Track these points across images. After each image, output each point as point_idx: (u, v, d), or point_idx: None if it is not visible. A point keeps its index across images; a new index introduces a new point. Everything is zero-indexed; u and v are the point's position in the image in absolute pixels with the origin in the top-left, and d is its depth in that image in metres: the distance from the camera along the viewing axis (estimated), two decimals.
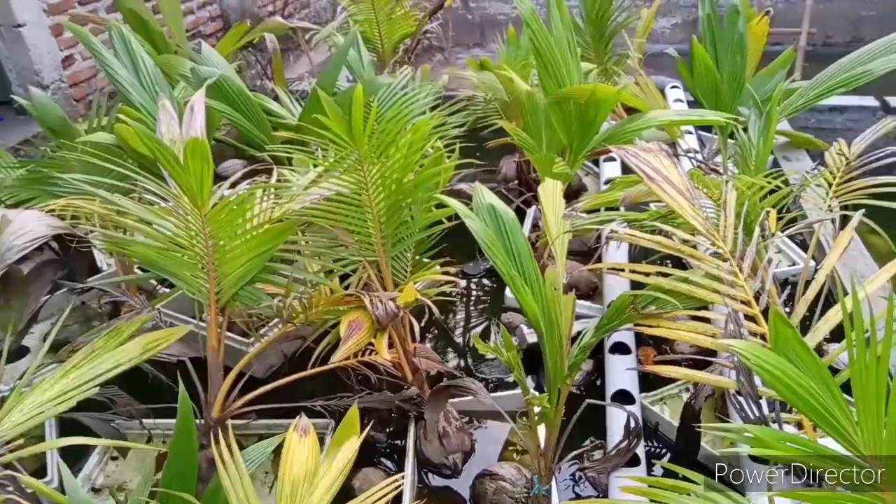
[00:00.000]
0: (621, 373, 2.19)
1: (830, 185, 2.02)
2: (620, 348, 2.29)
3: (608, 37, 3.43)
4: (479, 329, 2.74)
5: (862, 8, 6.55)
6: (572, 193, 3.20)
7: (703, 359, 1.81)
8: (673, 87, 4.06)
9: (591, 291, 2.74)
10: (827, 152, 2.11)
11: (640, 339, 2.41)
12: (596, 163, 3.45)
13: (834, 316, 1.26)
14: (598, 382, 2.30)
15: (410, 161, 1.78)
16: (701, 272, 1.38)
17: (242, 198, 1.68)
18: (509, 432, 2.15)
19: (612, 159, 3.31)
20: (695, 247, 1.49)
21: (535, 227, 2.98)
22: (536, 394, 1.56)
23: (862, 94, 3.73)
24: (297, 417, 1.27)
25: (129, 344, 1.59)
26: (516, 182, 3.25)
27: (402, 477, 1.17)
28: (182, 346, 2.05)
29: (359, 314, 1.68)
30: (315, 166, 1.83)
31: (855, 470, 0.99)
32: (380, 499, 1.16)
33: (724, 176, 1.55)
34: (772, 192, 1.74)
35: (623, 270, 1.73)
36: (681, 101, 3.80)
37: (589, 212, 2.32)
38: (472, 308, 2.87)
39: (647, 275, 1.42)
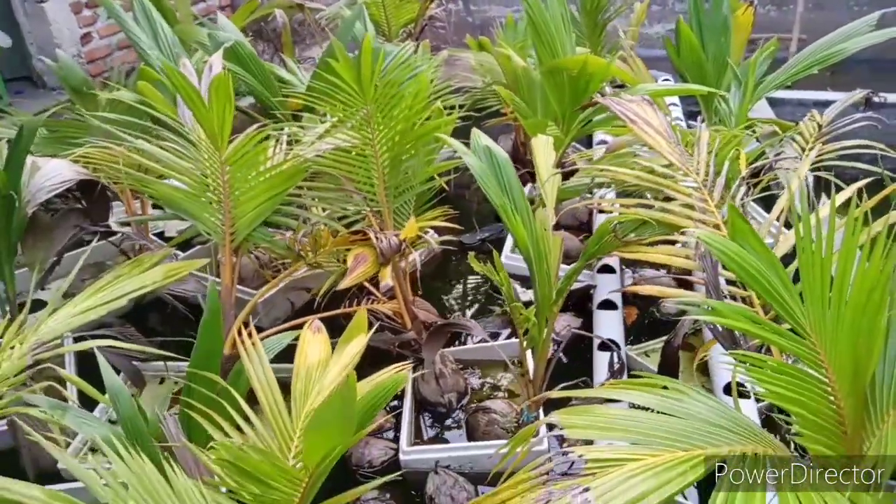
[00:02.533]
0: (608, 326, 2.33)
1: (804, 150, 2.17)
2: (608, 305, 2.44)
3: (602, 26, 3.60)
4: (475, 296, 2.87)
5: (850, 17, 6.77)
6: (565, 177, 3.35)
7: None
8: (665, 79, 4.23)
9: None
10: (801, 122, 2.27)
11: (626, 300, 2.55)
12: (590, 144, 3.60)
13: (790, 236, 1.40)
14: (588, 340, 2.44)
15: (414, 112, 1.93)
16: (677, 203, 1.53)
17: (259, 138, 1.83)
18: (500, 379, 2.28)
19: (604, 142, 3.47)
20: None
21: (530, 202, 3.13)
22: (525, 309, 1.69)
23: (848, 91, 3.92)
24: (310, 320, 1.40)
25: (153, 270, 1.73)
26: (513, 161, 3.39)
27: (408, 364, 1.28)
28: (198, 284, 2.19)
29: (364, 249, 1.82)
30: (331, 116, 1.97)
31: (801, 345, 1.13)
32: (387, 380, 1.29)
33: (701, 125, 1.69)
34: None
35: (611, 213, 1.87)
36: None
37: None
38: (468, 273, 3.00)
39: (629, 207, 1.57)
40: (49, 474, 1.89)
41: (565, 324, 2.45)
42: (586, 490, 1.01)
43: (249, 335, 1.31)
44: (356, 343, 1.31)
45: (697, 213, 1.46)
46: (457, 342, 2.44)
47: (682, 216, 1.48)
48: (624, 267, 2.67)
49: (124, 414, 1.26)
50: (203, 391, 1.25)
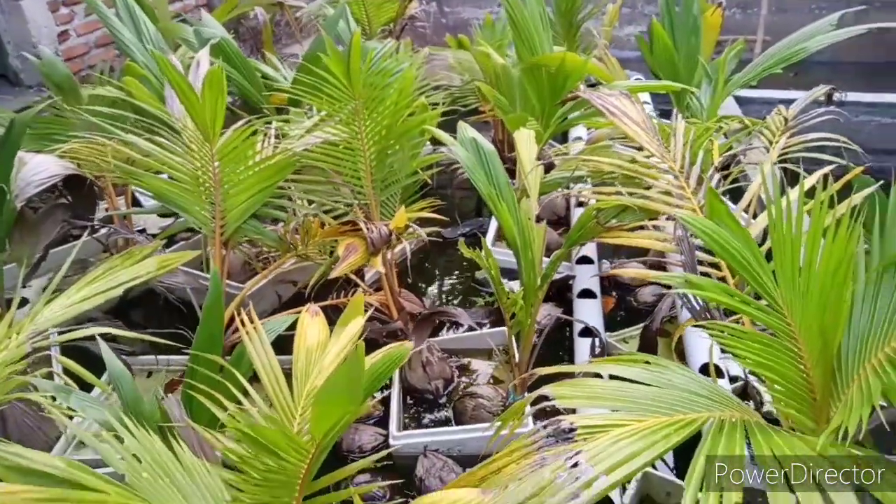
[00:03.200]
0: (588, 314, 2.41)
1: (771, 142, 2.28)
2: (587, 294, 2.52)
3: (577, 27, 3.69)
4: (457, 288, 2.93)
5: (812, 20, 7.01)
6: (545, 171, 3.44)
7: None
8: (636, 79, 4.35)
9: None
10: (768, 116, 2.38)
11: (604, 290, 2.64)
12: (565, 141, 3.69)
13: (761, 220, 1.49)
14: (568, 331, 2.52)
15: (400, 107, 1.99)
16: (655, 190, 1.61)
17: (248, 132, 1.87)
18: (486, 367, 2.35)
19: (580, 138, 3.57)
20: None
21: None
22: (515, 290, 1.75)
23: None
24: (307, 305, 1.45)
25: (147, 261, 1.76)
26: None
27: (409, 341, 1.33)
28: (189, 278, 2.21)
29: (355, 239, 1.87)
30: (317, 111, 2.01)
31: (773, 317, 1.21)
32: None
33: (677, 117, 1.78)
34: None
35: (588, 202, 1.94)
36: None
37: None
38: (450, 267, 3.07)
39: (611, 195, 1.65)
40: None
41: (546, 313, 2.52)
42: (578, 453, 1.08)
43: (251, 320, 1.35)
44: (353, 325, 1.37)
45: (675, 199, 1.54)
46: (440, 333, 2.49)
47: (660, 202, 1.56)
48: (602, 259, 2.76)
49: (127, 397, 1.30)
50: (206, 373, 1.29)
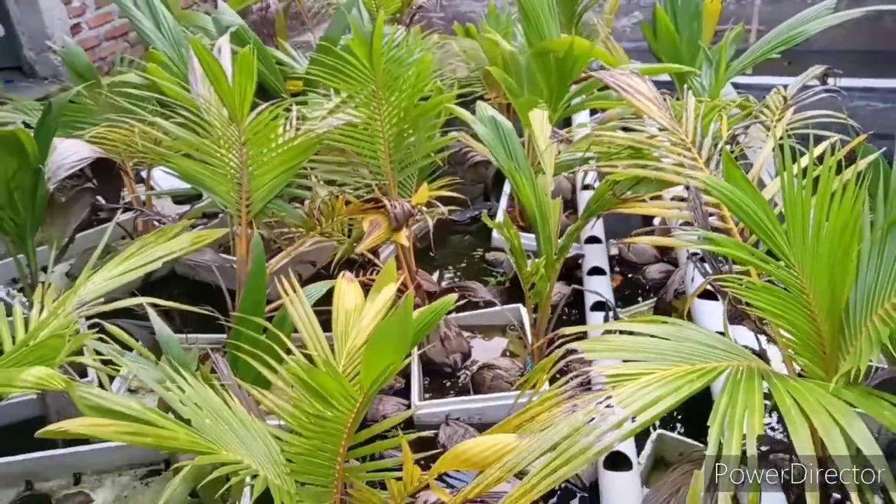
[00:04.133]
0: (599, 289, 2.50)
1: (772, 120, 2.37)
2: (597, 271, 2.61)
3: (578, 16, 3.77)
4: (469, 268, 3.01)
5: (804, 9, 7.14)
6: None
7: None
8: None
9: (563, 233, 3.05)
10: (768, 95, 2.46)
11: (612, 268, 2.73)
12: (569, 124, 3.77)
13: (772, 186, 1.57)
14: (576, 310, 2.59)
15: (418, 89, 2.06)
16: (669, 162, 1.69)
17: (273, 114, 1.94)
18: (503, 343, 2.43)
19: (583, 125, 3.65)
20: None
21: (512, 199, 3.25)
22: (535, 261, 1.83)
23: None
24: (342, 273, 1.53)
25: (180, 237, 1.82)
26: None
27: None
28: (217, 256, 2.28)
29: (378, 216, 1.94)
30: (335, 93, 2.09)
31: (786, 273, 1.30)
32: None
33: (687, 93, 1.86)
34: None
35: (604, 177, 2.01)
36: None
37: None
38: (461, 249, 3.15)
39: (625, 168, 1.73)
40: (78, 440, 1.97)
41: (557, 290, 2.60)
42: (609, 398, 1.16)
43: (293, 288, 1.43)
44: (387, 291, 1.44)
45: (688, 170, 1.62)
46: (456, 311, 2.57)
47: (673, 173, 1.64)
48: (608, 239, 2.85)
49: (176, 358, 1.37)
50: (250, 334, 1.36)
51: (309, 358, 1.31)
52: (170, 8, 3.03)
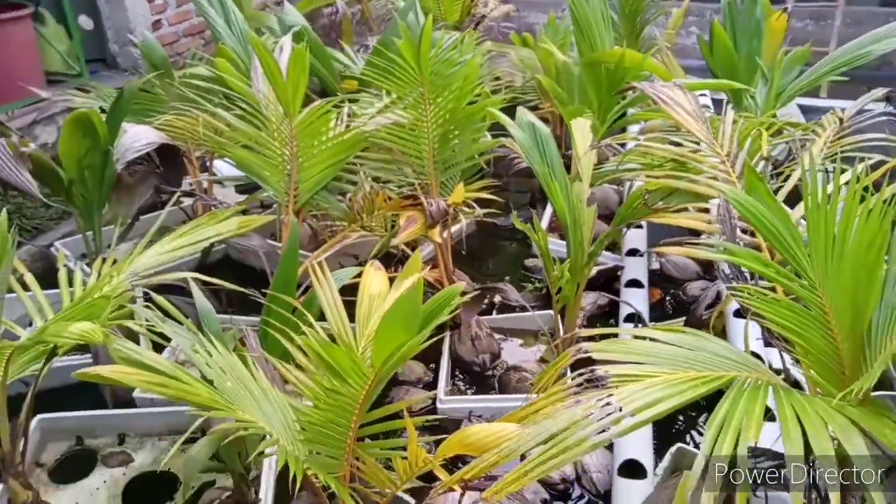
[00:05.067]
0: (634, 302, 2.49)
1: (825, 142, 2.32)
2: (634, 283, 2.60)
3: (639, 29, 3.77)
4: (507, 273, 3.05)
5: None
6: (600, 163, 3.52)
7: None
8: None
9: (611, 246, 3.05)
10: (824, 116, 2.41)
11: (652, 282, 2.71)
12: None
13: (798, 209, 1.56)
14: (613, 321, 2.59)
15: (464, 92, 2.13)
16: (704, 176, 1.70)
17: (324, 109, 2.04)
18: (533, 347, 2.46)
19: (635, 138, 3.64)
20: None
21: None
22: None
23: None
24: (370, 262, 1.60)
25: (229, 220, 1.95)
26: None
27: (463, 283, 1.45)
28: (263, 241, 2.41)
29: (415, 212, 2.01)
30: (386, 94, 2.18)
31: (807, 291, 1.29)
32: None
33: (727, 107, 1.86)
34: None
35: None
36: (704, 95, 4.12)
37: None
38: (502, 255, 3.19)
39: (658, 178, 1.74)
40: (125, 402, 2.11)
41: (593, 300, 2.61)
42: (610, 396, 1.19)
43: (322, 273, 1.52)
44: (412, 279, 1.51)
45: (720, 183, 1.62)
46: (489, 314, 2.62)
47: (705, 185, 1.64)
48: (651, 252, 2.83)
49: (212, 329, 1.47)
50: (280, 311, 1.45)
51: (332, 338, 1.39)
52: (242, 8, 3.21)
